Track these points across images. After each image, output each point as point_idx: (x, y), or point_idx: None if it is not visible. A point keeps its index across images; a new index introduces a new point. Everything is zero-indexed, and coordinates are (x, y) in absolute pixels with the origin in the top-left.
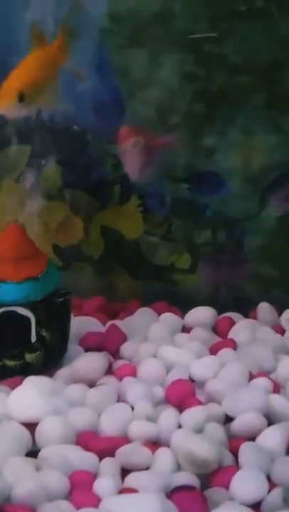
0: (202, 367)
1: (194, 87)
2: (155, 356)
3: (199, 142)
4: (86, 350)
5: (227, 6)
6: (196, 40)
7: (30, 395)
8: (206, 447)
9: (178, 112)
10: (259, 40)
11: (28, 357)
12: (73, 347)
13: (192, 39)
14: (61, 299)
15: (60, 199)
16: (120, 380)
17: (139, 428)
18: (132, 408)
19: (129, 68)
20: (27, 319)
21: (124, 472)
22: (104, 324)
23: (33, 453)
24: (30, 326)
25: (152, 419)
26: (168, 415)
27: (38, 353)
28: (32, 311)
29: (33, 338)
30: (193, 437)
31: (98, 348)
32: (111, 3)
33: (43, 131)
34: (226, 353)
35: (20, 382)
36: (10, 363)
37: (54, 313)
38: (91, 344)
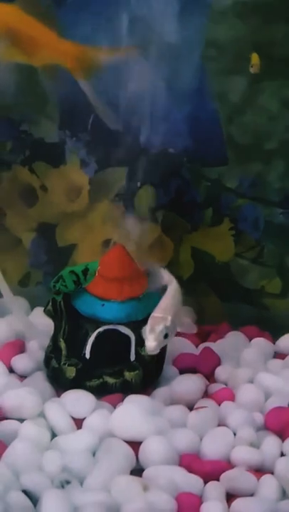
0: None
1: None
2: (252, 381)
3: None
4: (180, 371)
5: None
6: None
7: (132, 414)
8: None
9: (275, 137)
10: None
11: (128, 375)
12: (167, 367)
13: None
14: None
15: (153, 220)
16: (218, 403)
17: (244, 454)
18: (234, 433)
19: (229, 93)
20: (127, 338)
21: (228, 497)
22: (195, 345)
23: (136, 471)
24: (130, 345)
25: (255, 445)
26: (270, 442)
27: (137, 371)
28: (132, 330)
29: (132, 357)
30: None
31: (192, 370)
32: (212, 30)
33: (139, 153)
34: None
35: (120, 400)
36: (110, 380)
37: None
38: (185, 365)
